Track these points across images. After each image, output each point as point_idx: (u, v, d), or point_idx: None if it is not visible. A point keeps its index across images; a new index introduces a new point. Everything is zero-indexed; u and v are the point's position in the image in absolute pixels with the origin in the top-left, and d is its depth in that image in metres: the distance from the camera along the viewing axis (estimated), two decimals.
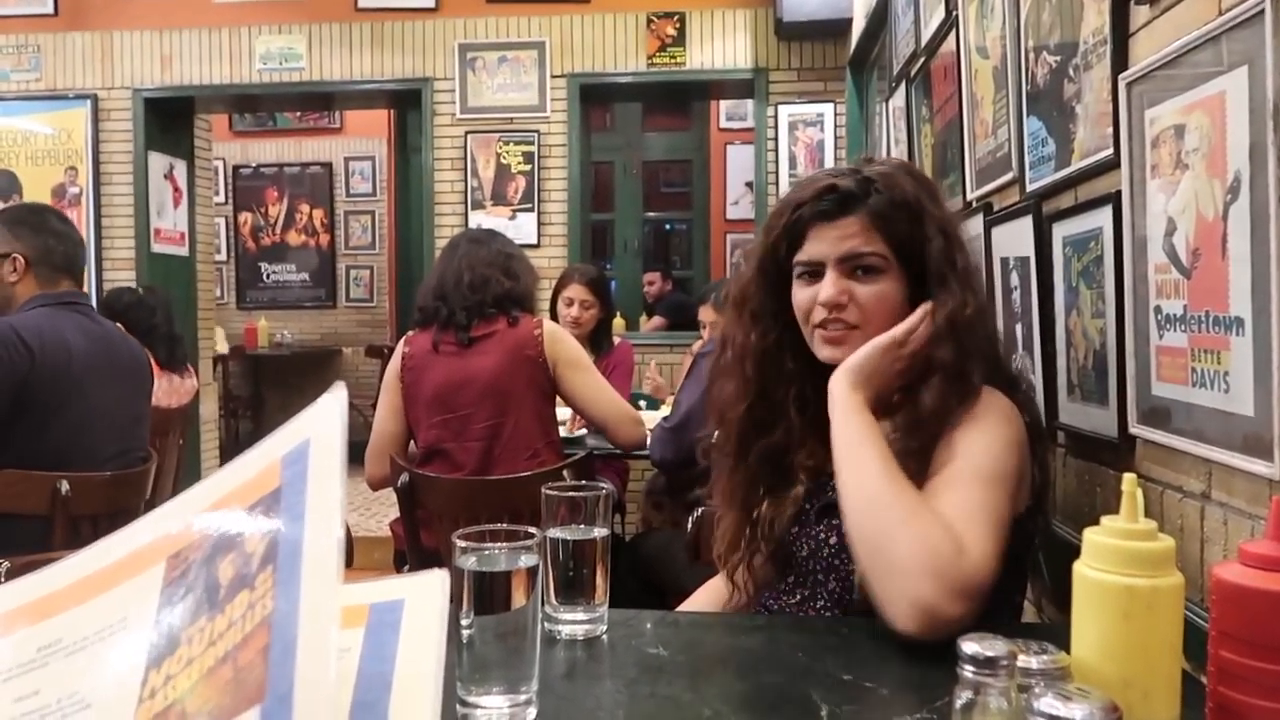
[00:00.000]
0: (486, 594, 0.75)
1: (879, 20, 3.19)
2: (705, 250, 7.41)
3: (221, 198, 7.18)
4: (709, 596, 1.27)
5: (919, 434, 1.04)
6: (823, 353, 1.12)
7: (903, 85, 2.62)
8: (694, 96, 6.23)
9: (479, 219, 4.51)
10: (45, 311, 2.07)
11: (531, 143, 4.56)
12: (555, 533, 0.96)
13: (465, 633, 0.74)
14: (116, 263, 4.70)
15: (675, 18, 4.52)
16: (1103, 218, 1.19)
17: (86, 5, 4.77)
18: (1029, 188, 1.49)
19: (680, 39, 4.52)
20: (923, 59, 2.31)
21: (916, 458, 1.03)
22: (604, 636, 0.96)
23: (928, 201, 1.13)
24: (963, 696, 0.62)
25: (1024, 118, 1.51)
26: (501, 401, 2.19)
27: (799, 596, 1.14)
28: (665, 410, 2.95)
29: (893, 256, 1.10)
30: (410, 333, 2.31)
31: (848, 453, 1.01)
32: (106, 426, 2.12)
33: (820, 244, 1.11)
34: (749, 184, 5.93)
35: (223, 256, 7.11)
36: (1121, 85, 1.12)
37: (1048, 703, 0.57)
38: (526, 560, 0.75)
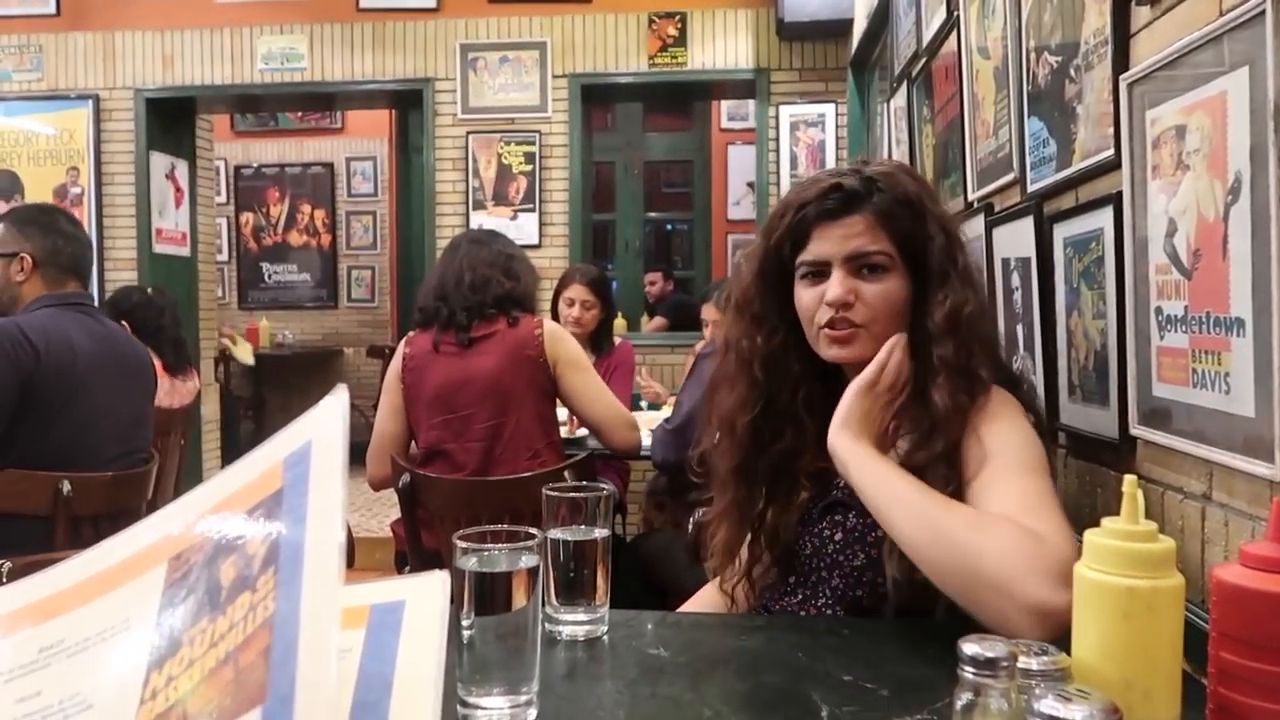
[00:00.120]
0: (487, 595, 0.75)
1: (880, 21, 3.19)
2: (706, 250, 7.41)
3: (223, 198, 7.18)
4: (705, 605, 1.26)
5: (939, 436, 1.03)
6: (829, 352, 1.12)
7: (904, 85, 2.62)
8: (695, 97, 6.23)
9: (480, 219, 4.51)
10: (50, 312, 2.07)
11: (533, 143, 4.56)
12: (556, 533, 0.96)
13: (466, 633, 0.74)
14: (118, 263, 4.71)
15: (676, 18, 4.52)
16: (1104, 218, 1.19)
17: (88, 5, 4.77)
18: (1030, 188, 1.49)
19: (681, 39, 4.52)
20: (924, 59, 2.31)
21: (944, 461, 1.02)
22: (605, 637, 0.96)
23: (928, 200, 1.13)
24: (963, 698, 0.62)
25: (1025, 118, 1.51)
26: (502, 402, 2.19)
27: (800, 596, 1.14)
28: (666, 411, 2.95)
29: (897, 255, 1.10)
30: (411, 333, 2.31)
31: (884, 499, 0.97)
32: (110, 427, 2.13)
33: (825, 243, 1.11)
34: (750, 184, 5.93)
35: (224, 257, 7.11)
36: (1122, 86, 1.12)
37: (1048, 704, 0.57)
38: (527, 561, 0.75)
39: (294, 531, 0.48)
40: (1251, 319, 0.87)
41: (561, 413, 2.43)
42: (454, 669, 0.73)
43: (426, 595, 0.58)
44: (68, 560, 0.56)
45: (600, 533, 0.97)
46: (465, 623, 0.74)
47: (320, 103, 5.70)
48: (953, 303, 1.07)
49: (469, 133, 4.59)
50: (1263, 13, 0.84)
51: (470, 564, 0.75)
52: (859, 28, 3.80)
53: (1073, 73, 1.31)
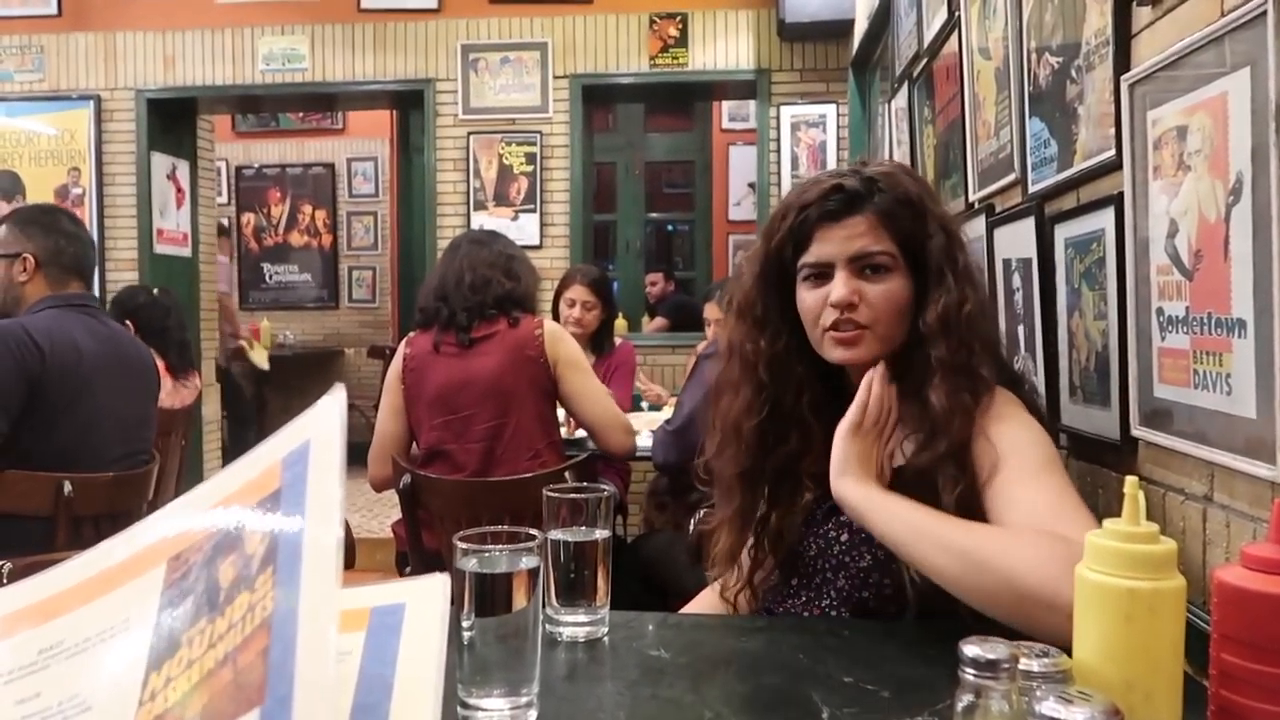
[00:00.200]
0: (487, 596, 0.75)
1: (881, 21, 3.19)
2: (707, 251, 7.41)
3: (224, 198, 7.18)
4: (706, 607, 1.25)
5: (941, 437, 1.03)
6: (835, 355, 1.11)
7: (905, 86, 2.62)
8: (696, 97, 6.23)
9: (481, 220, 4.51)
10: (54, 313, 2.07)
11: (534, 143, 4.56)
12: (556, 534, 0.96)
13: (466, 634, 0.74)
14: (119, 263, 4.71)
15: (677, 18, 4.51)
16: (1105, 219, 1.19)
17: (89, 6, 4.78)
18: (1031, 189, 1.49)
19: (682, 40, 4.52)
20: (925, 60, 2.31)
21: (952, 462, 1.02)
22: (605, 638, 0.96)
23: (928, 200, 1.13)
24: (964, 699, 0.62)
25: (1026, 119, 1.51)
26: (503, 402, 2.19)
27: (804, 598, 1.13)
28: (667, 412, 2.95)
29: (899, 255, 1.10)
30: (411, 334, 2.31)
31: (908, 537, 0.95)
32: (113, 427, 2.13)
33: (828, 244, 1.11)
34: (751, 185, 5.93)
35: (225, 257, 7.11)
36: (1124, 86, 1.12)
37: (1049, 706, 0.57)
38: (527, 562, 0.75)
39: (292, 531, 0.48)
40: (1253, 320, 0.87)
41: (562, 413, 2.43)
42: (454, 670, 0.73)
43: (427, 598, 0.58)
44: (67, 561, 0.56)
45: (601, 534, 0.97)
46: (465, 624, 0.74)
47: (321, 103, 5.70)
48: (947, 302, 1.07)
49: (470, 133, 4.59)
50: (1264, 13, 0.84)
51: (470, 565, 0.75)
52: (860, 28, 3.80)
53: (1074, 73, 1.31)
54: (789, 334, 1.16)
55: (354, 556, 1.84)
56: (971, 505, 1.01)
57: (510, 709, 0.75)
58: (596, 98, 4.83)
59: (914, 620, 1.03)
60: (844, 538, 1.10)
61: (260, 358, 6.17)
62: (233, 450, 5.17)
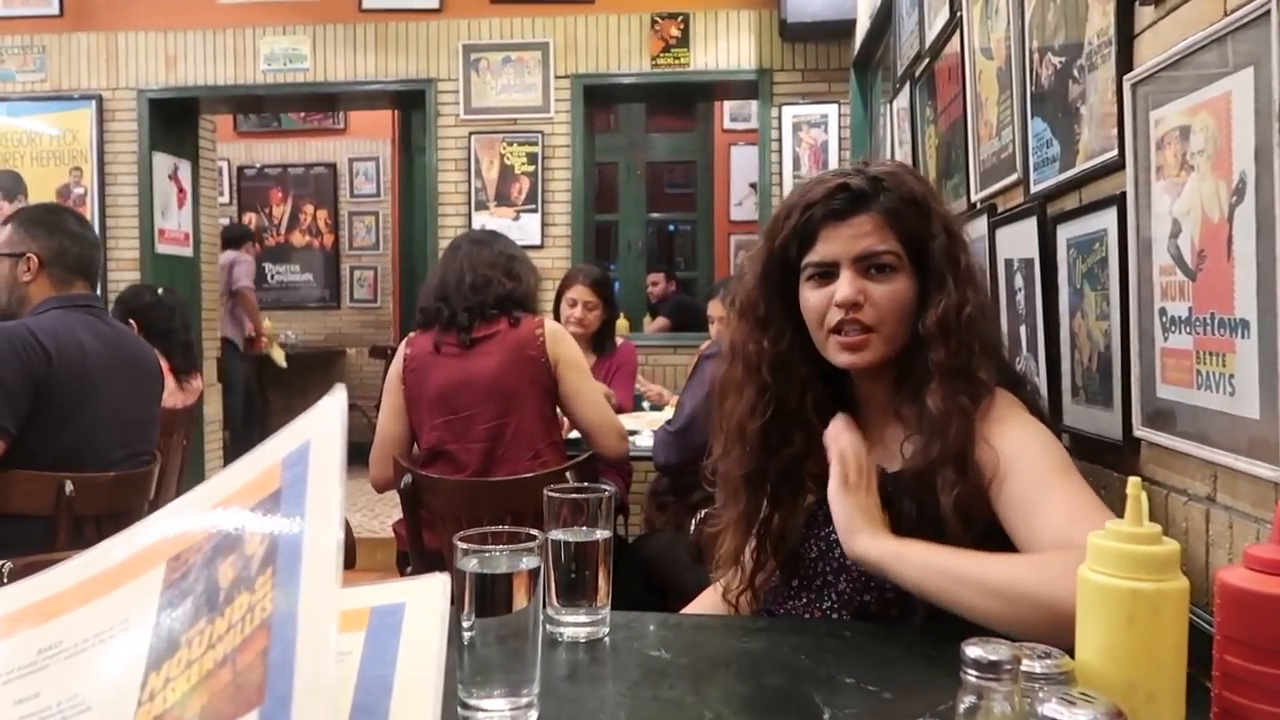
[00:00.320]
0: (488, 596, 0.75)
1: (883, 21, 3.18)
2: (709, 251, 7.41)
3: (226, 198, 7.19)
4: (707, 607, 1.25)
5: (936, 439, 1.03)
6: (841, 358, 1.10)
7: (907, 86, 2.62)
8: (698, 97, 6.23)
9: (483, 220, 4.51)
10: (59, 314, 2.07)
11: (535, 143, 4.56)
12: (557, 534, 0.96)
13: (466, 635, 0.74)
14: (121, 263, 4.71)
15: (679, 18, 4.51)
16: (1107, 219, 1.19)
17: (91, 6, 4.78)
18: (1033, 189, 1.49)
19: (684, 40, 4.51)
20: (927, 60, 2.31)
21: (951, 465, 1.01)
22: (606, 639, 0.96)
23: (932, 199, 1.13)
24: (966, 701, 0.62)
25: (1028, 119, 1.51)
26: (505, 402, 2.19)
27: (805, 599, 1.13)
28: (668, 413, 2.95)
29: (904, 254, 1.10)
30: (411, 334, 2.31)
31: (941, 585, 0.93)
32: (118, 428, 2.13)
33: (833, 244, 1.10)
34: (753, 185, 5.93)
35: None
36: (1126, 86, 1.11)
37: (1052, 707, 0.57)
38: (528, 562, 0.75)
39: (292, 531, 0.48)
40: (1256, 320, 0.87)
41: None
42: (454, 671, 0.73)
43: (427, 597, 0.58)
44: (66, 561, 0.55)
45: (602, 534, 0.96)
46: (466, 624, 0.74)
47: (323, 103, 5.70)
48: (947, 305, 1.06)
49: (471, 133, 4.59)
50: (1268, 13, 0.83)
51: (471, 565, 0.75)
52: (861, 28, 3.80)
53: (1076, 73, 1.31)
54: (792, 334, 1.15)
55: (355, 556, 1.84)
56: (969, 509, 1.00)
57: (511, 710, 0.74)
58: (598, 98, 4.82)
59: (923, 622, 1.02)
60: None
61: (278, 355, 6.22)
62: (238, 451, 5.17)
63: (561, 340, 2.27)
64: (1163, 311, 1.05)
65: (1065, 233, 1.34)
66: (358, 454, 2.05)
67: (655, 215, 7.77)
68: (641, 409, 3.39)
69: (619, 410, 3.00)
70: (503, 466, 2.19)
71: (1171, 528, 1.04)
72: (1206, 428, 0.96)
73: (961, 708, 0.62)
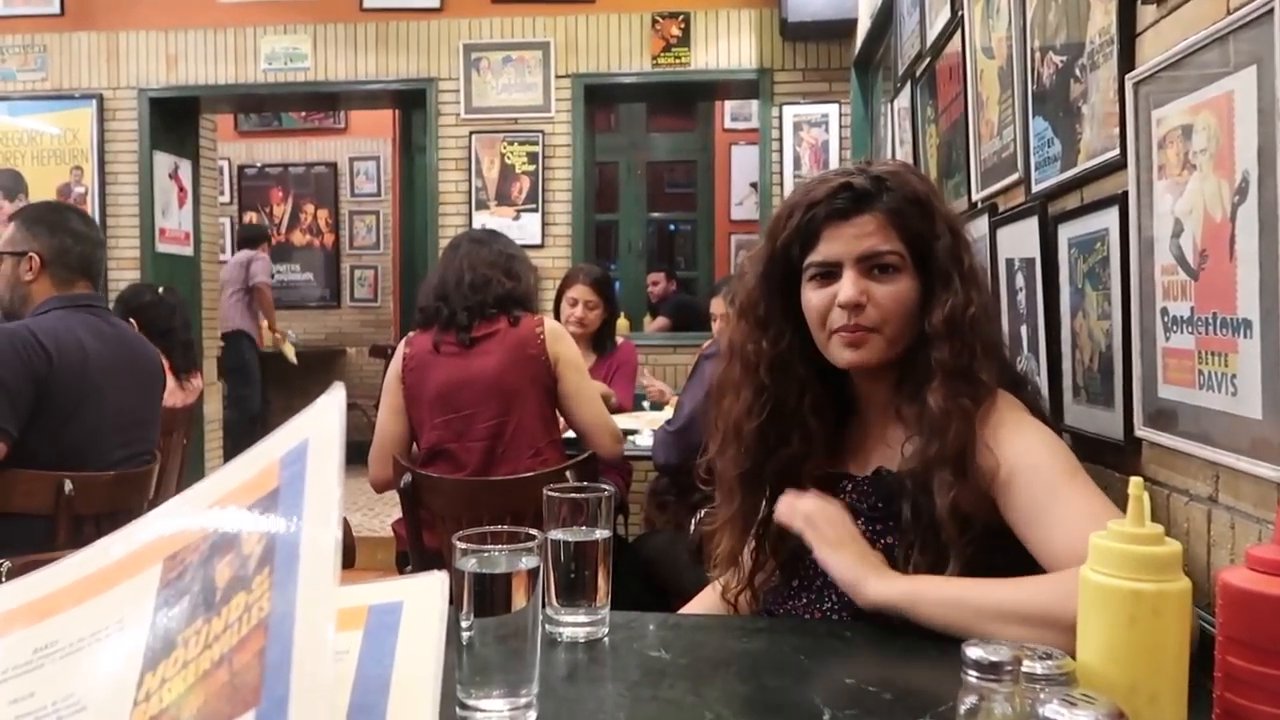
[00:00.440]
0: (487, 596, 0.74)
1: (884, 20, 3.18)
2: (709, 251, 7.40)
3: (226, 198, 7.19)
4: (707, 607, 1.25)
5: (935, 439, 1.02)
6: (843, 358, 1.10)
7: (908, 85, 2.61)
8: (698, 97, 6.23)
9: (483, 219, 4.51)
10: (60, 314, 2.06)
11: (536, 143, 4.56)
12: (557, 534, 0.95)
13: (465, 635, 0.74)
14: (121, 262, 4.71)
15: (680, 18, 4.51)
16: (1109, 219, 1.18)
17: (92, 5, 4.78)
18: (1034, 188, 1.49)
19: (685, 39, 4.51)
20: (928, 59, 2.30)
21: (949, 466, 1.01)
22: (605, 639, 0.96)
23: (935, 199, 1.13)
24: (967, 702, 0.61)
25: (1030, 118, 1.51)
26: (505, 400, 2.19)
27: (805, 600, 1.13)
28: (668, 412, 2.94)
29: (907, 255, 1.09)
30: (411, 333, 2.31)
31: (963, 619, 0.91)
32: (120, 428, 2.12)
33: (836, 244, 1.09)
34: (753, 185, 5.93)
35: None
36: (1128, 85, 1.11)
37: (1053, 709, 0.57)
38: (527, 562, 0.75)
39: (290, 531, 0.48)
40: (1259, 320, 0.86)
41: None
42: (453, 671, 0.73)
43: (425, 596, 0.58)
44: (63, 560, 0.55)
45: (601, 533, 0.96)
46: (465, 624, 0.73)
47: (323, 102, 5.70)
48: (954, 305, 1.06)
49: (472, 133, 4.59)
50: (1271, 11, 0.83)
51: (470, 565, 0.74)
52: (862, 27, 3.80)
53: (1078, 72, 1.30)
54: (791, 334, 1.15)
55: (354, 556, 1.84)
56: (966, 512, 1.00)
57: (509, 710, 0.74)
58: (598, 97, 4.82)
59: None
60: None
61: (289, 352, 6.28)
62: (236, 451, 5.17)
63: (561, 339, 2.27)
64: (1164, 311, 1.04)
65: (1066, 232, 1.34)
66: (358, 453, 2.05)
67: (656, 215, 7.76)
68: (642, 408, 3.39)
69: (619, 410, 2.99)
70: (503, 465, 2.19)
71: (1173, 528, 1.04)
72: (1208, 428, 0.96)
73: (962, 709, 0.61)
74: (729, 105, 6.92)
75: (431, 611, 0.56)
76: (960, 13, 1.94)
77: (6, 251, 2.12)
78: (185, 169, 4.99)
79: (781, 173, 4.47)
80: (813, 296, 1.11)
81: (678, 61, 4.52)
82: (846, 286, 1.08)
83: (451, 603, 0.64)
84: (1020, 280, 1.53)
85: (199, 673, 0.45)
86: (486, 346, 2.20)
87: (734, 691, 0.88)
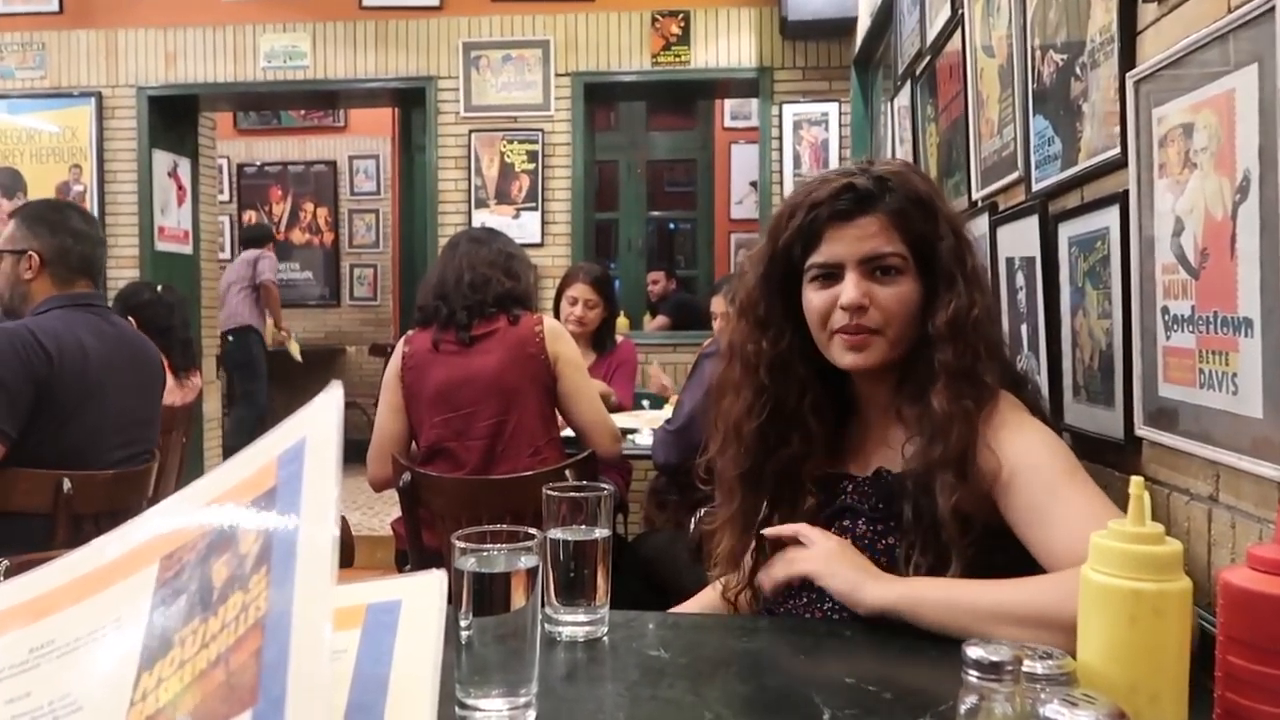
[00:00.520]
0: (486, 595, 0.74)
1: (884, 19, 3.18)
2: (709, 250, 7.40)
3: (226, 196, 7.18)
4: (706, 606, 1.24)
5: (938, 440, 1.02)
6: (845, 359, 1.09)
7: (908, 84, 2.61)
8: (698, 95, 6.23)
9: (483, 218, 4.51)
10: (60, 313, 2.06)
11: (535, 141, 4.56)
12: (556, 533, 0.95)
13: (464, 634, 0.73)
14: (120, 261, 4.70)
15: (680, 16, 4.51)
16: (1109, 217, 1.18)
17: (91, 3, 4.77)
18: (1035, 187, 1.48)
19: (685, 38, 4.51)
20: (928, 58, 2.30)
21: (951, 468, 1.01)
22: (605, 638, 0.95)
23: (938, 200, 1.12)
24: (967, 701, 0.61)
25: (1030, 117, 1.50)
26: (505, 399, 2.19)
27: (805, 600, 1.12)
28: (667, 411, 2.94)
29: (910, 256, 1.09)
30: (410, 332, 2.30)
31: (965, 622, 0.91)
32: (121, 428, 2.12)
33: (838, 245, 1.09)
34: (753, 183, 5.93)
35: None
36: (1129, 84, 1.11)
37: (1053, 709, 0.57)
38: (526, 561, 0.75)
39: (287, 529, 0.47)
40: (1260, 319, 0.86)
41: None
42: (452, 670, 0.73)
43: (423, 595, 0.57)
44: (60, 559, 0.55)
45: (601, 532, 0.96)
46: (464, 623, 0.73)
47: (323, 101, 5.70)
48: (958, 306, 1.06)
49: (471, 131, 4.58)
50: (1271, 9, 0.83)
51: (469, 564, 0.74)
52: (862, 26, 3.79)
53: (1078, 71, 1.30)
54: (791, 334, 1.14)
55: (353, 555, 1.83)
56: (967, 513, 1.00)
57: (509, 709, 0.74)
58: (598, 96, 4.82)
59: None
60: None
61: (295, 349, 6.32)
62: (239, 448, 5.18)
63: (560, 338, 2.27)
64: (1165, 310, 1.04)
65: (1067, 231, 1.33)
66: (357, 452, 2.05)
67: (655, 213, 7.76)
68: (641, 407, 3.39)
69: (619, 409, 2.99)
70: (503, 464, 2.19)
71: (1174, 528, 1.04)
72: (1209, 427, 0.96)
73: (963, 709, 0.61)
74: (729, 104, 6.92)
75: (430, 610, 0.56)
76: (960, 11, 1.94)
77: (6, 250, 2.11)
78: (184, 167, 4.98)
79: (781, 171, 4.47)
80: (814, 297, 1.11)
81: (678, 60, 4.52)
82: (849, 289, 1.07)
83: (450, 602, 0.64)
84: (1020, 279, 1.53)
85: (195, 672, 0.45)
86: (486, 345, 2.20)
87: (734, 691, 0.88)
